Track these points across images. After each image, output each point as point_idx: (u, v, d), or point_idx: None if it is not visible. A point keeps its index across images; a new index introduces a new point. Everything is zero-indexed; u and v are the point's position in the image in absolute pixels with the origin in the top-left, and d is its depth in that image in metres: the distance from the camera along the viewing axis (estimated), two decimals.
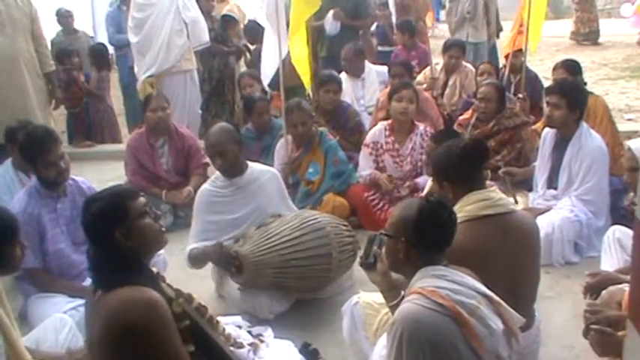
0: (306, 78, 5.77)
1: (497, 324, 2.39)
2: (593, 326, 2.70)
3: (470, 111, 5.83)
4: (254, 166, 4.22)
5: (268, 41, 5.65)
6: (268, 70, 5.85)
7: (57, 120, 7.55)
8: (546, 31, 10.41)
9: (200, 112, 7.44)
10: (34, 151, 3.70)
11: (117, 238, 2.40)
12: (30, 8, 6.52)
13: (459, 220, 2.82)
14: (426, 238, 2.46)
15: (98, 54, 8.24)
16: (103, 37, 9.55)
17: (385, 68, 6.95)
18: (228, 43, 8.19)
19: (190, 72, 7.15)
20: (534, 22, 6.58)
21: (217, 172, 4.17)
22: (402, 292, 2.60)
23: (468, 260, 2.55)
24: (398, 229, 2.52)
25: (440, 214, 2.47)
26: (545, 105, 4.78)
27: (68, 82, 7.83)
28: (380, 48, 9.08)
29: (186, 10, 6.85)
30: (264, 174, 4.21)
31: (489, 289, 2.46)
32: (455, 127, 5.77)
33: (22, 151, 3.89)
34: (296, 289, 3.94)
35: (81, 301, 3.44)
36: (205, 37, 7.11)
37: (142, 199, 2.53)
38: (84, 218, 2.47)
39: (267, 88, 6.37)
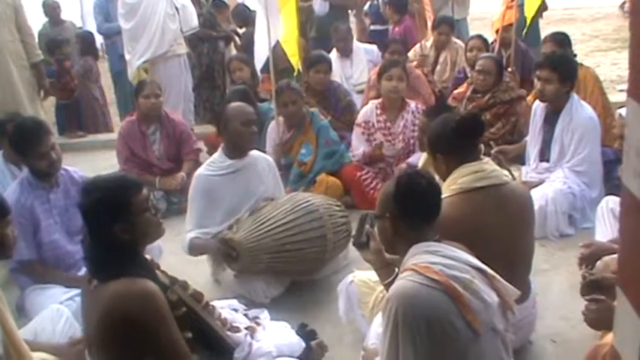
0: (295, 59, 5.73)
1: (492, 297, 2.37)
2: (586, 296, 2.71)
3: (465, 85, 5.83)
4: (252, 152, 4.21)
5: (260, 25, 5.60)
6: (261, 54, 5.80)
7: (47, 111, 7.51)
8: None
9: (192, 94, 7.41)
10: (24, 143, 3.66)
11: (115, 232, 2.35)
12: None
13: (452, 193, 2.82)
14: (408, 208, 2.41)
15: (84, 41, 8.19)
16: (91, 27, 9.47)
17: (374, 47, 6.90)
18: (217, 28, 8.10)
19: (183, 56, 7.14)
20: None
21: (214, 156, 4.14)
22: (396, 270, 2.59)
23: (463, 232, 2.53)
24: (382, 207, 2.50)
25: (418, 183, 2.41)
26: (535, 79, 4.75)
27: (60, 72, 7.77)
28: (373, 27, 8.95)
29: None
30: (260, 161, 4.19)
31: (485, 261, 2.44)
32: (450, 100, 5.77)
33: (12, 143, 3.85)
34: (292, 272, 3.94)
35: (77, 292, 3.42)
36: (195, 21, 7.09)
37: (144, 192, 2.47)
38: (83, 204, 2.40)
39: (258, 73, 6.34)
